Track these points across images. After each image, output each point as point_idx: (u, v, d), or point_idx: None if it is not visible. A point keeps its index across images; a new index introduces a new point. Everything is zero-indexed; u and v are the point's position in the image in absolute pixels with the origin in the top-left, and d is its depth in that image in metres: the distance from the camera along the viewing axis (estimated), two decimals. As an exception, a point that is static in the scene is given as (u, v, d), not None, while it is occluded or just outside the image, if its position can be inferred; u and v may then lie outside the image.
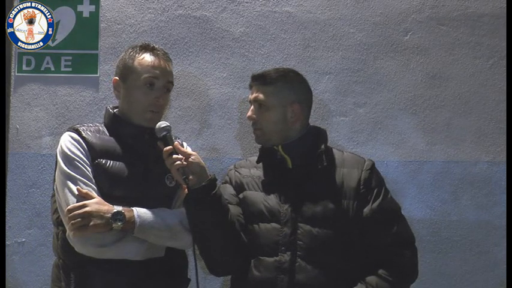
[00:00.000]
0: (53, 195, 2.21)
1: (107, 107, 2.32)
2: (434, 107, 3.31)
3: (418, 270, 2.24)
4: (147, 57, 2.22)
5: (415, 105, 3.31)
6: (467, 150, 3.28)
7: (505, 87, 3.23)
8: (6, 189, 3.26)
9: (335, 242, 2.14)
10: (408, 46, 3.34)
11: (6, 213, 3.23)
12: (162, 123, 2.15)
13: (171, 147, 2.08)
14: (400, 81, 3.32)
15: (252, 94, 2.29)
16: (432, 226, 3.25)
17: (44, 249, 3.24)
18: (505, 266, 2.92)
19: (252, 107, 2.28)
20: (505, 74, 3.20)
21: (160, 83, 2.21)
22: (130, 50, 2.26)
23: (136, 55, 2.23)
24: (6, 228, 3.21)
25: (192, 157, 2.08)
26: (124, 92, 2.24)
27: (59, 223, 2.16)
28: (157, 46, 2.29)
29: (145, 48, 2.26)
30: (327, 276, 2.12)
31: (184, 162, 2.06)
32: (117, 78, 2.26)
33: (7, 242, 3.23)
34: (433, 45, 3.33)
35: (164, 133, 2.13)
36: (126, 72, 2.23)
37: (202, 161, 2.12)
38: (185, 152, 2.09)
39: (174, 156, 2.06)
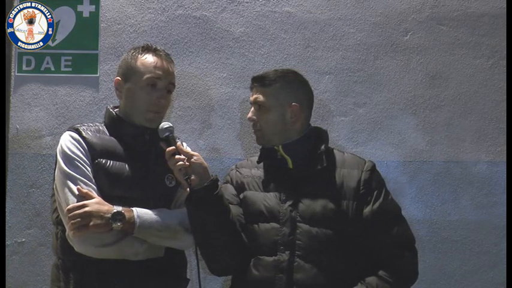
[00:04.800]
0: (53, 195, 2.21)
1: (107, 107, 2.32)
2: (434, 107, 3.30)
3: (418, 271, 2.24)
4: (150, 58, 2.23)
5: (415, 105, 3.30)
6: (467, 150, 3.27)
7: (505, 87, 3.23)
8: (6, 189, 3.26)
9: (334, 242, 2.14)
10: (408, 46, 3.33)
11: (6, 213, 3.23)
12: (164, 124, 2.15)
13: (173, 147, 2.09)
14: (400, 81, 3.32)
15: (252, 96, 2.31)
16: (432, 226, 3.24)
17: (44, 249, 3.25)
18: (505, 266, 2.92)
19: (253, 108, 2.30)
20: (505, 74, 3.20)
21: (163, 83, 2.22)
22: (132, 51, 2.27)
23: (139, 55, 2.24)
24: (6, 228, 3.21)
25: (195, 158, 2.09)
26: (126, 92, 2.24)
27: (58, 222, 2.16)
28: (159, 47, 2.30)
29: (148, 49, 2.27)
30: (326, 276, 2.12)
31: (186, 163, 2.07)
32: (119, 78, 2.27)
33: (7, 242, 3.22)
34: (433, 45, 3.33)
35: (167, 134, 2.13)
36: (129, 72, 2.23)
37: (204, 161, 2.13)
38: (188, 153, 2.10)
39: (177, 156, 2.07)
